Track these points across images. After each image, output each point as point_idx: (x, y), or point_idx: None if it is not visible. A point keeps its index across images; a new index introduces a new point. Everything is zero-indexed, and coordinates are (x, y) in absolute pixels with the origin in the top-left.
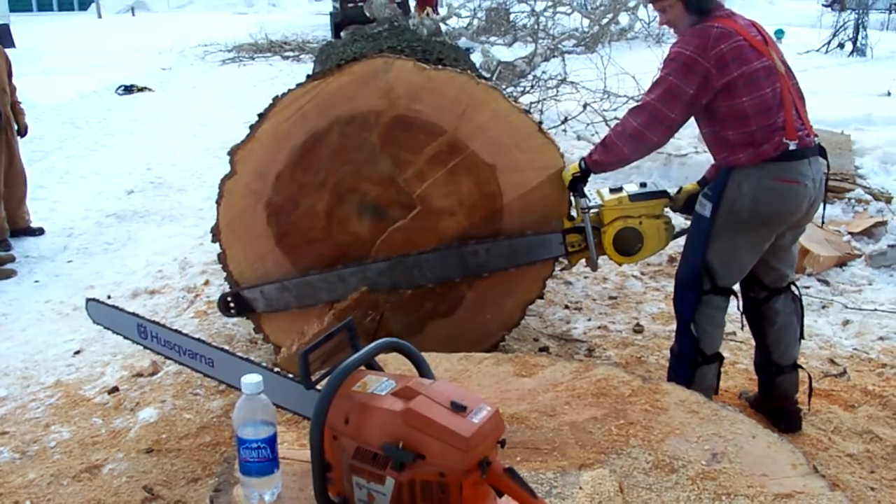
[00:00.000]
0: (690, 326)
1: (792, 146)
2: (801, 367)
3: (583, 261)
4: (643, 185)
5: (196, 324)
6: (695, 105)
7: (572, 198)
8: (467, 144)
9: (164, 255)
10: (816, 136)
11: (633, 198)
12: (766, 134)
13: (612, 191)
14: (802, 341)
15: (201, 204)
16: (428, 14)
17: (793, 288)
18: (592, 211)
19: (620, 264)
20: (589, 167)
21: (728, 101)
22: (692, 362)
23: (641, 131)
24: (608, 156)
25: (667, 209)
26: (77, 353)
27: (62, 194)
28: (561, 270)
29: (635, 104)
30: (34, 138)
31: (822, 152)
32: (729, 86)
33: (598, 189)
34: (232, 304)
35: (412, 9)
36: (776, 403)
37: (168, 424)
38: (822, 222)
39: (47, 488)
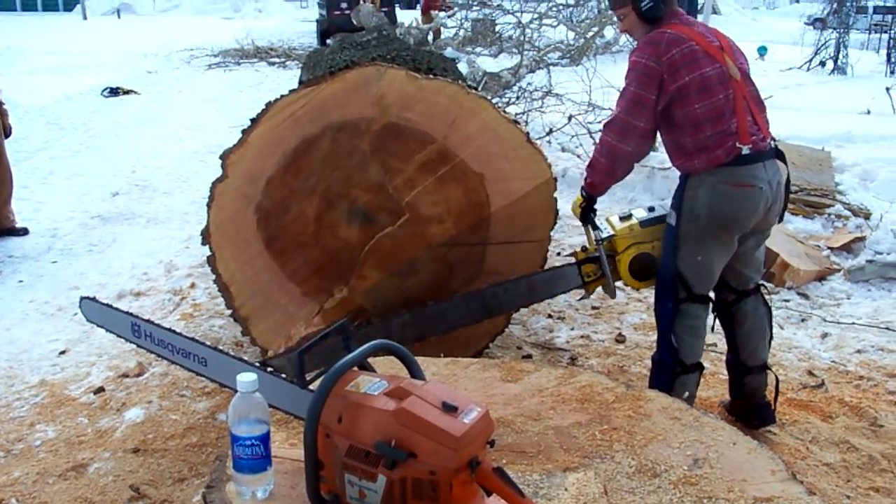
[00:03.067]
0: (670, 336)
1: (745, 150)
2: (769, 368)
3: (599, 289)
4: (651, 209)
5: (182, 326)
6: (658, 110)
7: (586, 230)
8: (456, 153)
9: (149, 258)
10: (774, 140)
11: (644, 224)
12: (720, 139)
13: (621, 218)
14: (784, 353)
15: (187, 207)
16: (437, 14)
17: (760, 291)
18: (605, 240)
19: (638, 289)
20: (589, 193)
21: (682, 107)
22: (672, 371)
23: (616, 144)
24: (597, 176)
25: None
26: (62, 353)
27: (46, 195)
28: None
29: (607, 119)
30: (18, 139)
31: (779, 156)
32: (681, 91)
33: (608, 217)
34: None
35: (398, 18)
36: (745, 401)
37: (154, 425)
38: (780, 219)
39: (32, 486)
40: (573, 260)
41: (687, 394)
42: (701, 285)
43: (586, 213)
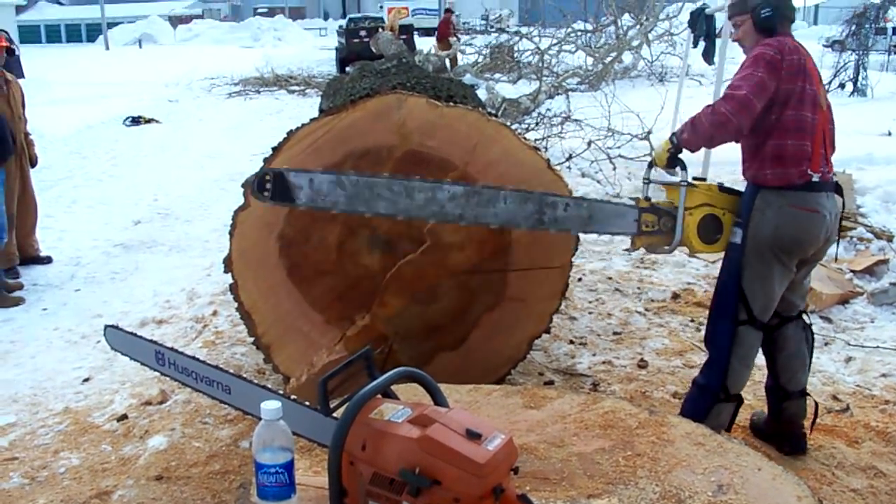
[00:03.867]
0: (724, 360)
1: (815, 178)
2: (809, 394)
3: (643, 249)
4: (720, 185)
5: (204, 354)
6: (772, 103)
7: (655, 173)
8: (477, 180)
9: (171, 286)
10: (835, 174)
11: (721, 189)
12: (797, 154)
13: (696, 178)
14: (808, 378)
15: (208, 235)
16: (453, 43)
17: (804, 317)
18: (689, 185)
19: (695, 253)
20: (680, 143)
21: (778, 111)
22: (715, 396)
23: (730, 118)
24: (695, 136)
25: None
26: (86, 380)
27: (70, 223)
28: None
29: (724, 94)
30: (42, 168)
31: (838, 190)
32: (786, 95)
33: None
34: (269, 187)
35: (417, 45)
36: (783, 426)
37: (177, 452)
38: (836, 258)
39: None
40: (634, 204)
41: (719, 423)
42: (762, 308)
43: (673, 159)
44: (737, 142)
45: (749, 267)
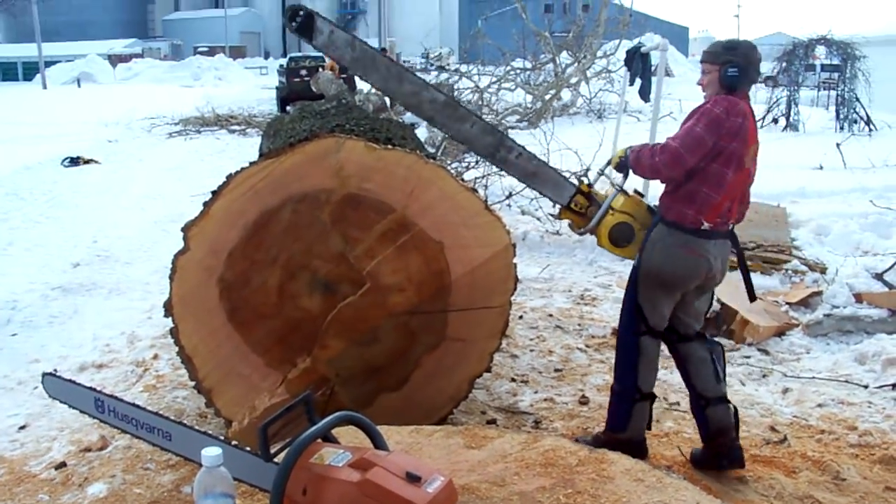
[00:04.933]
0: (631, 366)
1: (706, 226)
2: (729, 401)
3: (567, 222)
4: (650, 206)
5: (145, 398)
6: (705, 156)
7: (609, 172)
8: (416, 222)
9: (111, 329)
10: (738, 221)
11: (649, 209)
12: (703, 202)
13: (635, 191)
14: (746, 410)
15: (149, 277)
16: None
17: (706, 335)
18: (620, 191)
19: (601, 246)
20: (628, 160)
21: (705, 162)
22: (632, 399)
23: (661, 168)
24: (638, 168)
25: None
26: (22, 427)
27: (6, 266)
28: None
29: (665, 142)
30: None
31: (733, 238)
32: (721, 151)
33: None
34: (299, 19)
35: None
36: (715, 441)
37: (118, 499)
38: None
39: None
40: (576, 183)
41: (642, 420)
42: (656, 322)
43: (621, 167)
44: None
45: (642, 288)
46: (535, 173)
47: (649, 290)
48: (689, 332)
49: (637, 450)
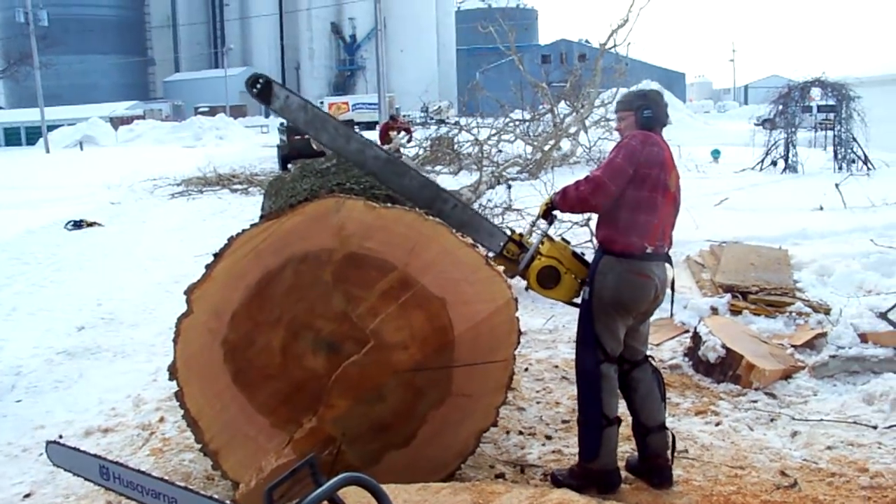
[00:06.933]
0: (595, 395)
1: (649, 249)
2: (667, 428)
3: (501, 268)
4: (574, 251)
5: (152, 461)
6: (628, 183)
7: (539, 222)
8: (417, 280)
9: (116, 393)
10: (671, 246)
11: (574, 254)
12: (642, 229)
13: (563, 239)
14: (755, 455)
15: (153, 339)
16: (395, 135)
17: (649, 361)
18: (546, 237)
19: (527, 289)
20: (554, 203)
21: (635, 189)
22: (599, 426)
23: (587, 197)
24: (564, 204)
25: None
26: (27, 496)
27: (10, 331)
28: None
29: (588, 175)
30: None
31: (668, 260)
32: (643, 178)
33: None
34: (259, 86)
35: None
36: (650, 461)
37: None
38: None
39: None
40: (509, 234)
41: (612, 445)
42: (613, 349)
43: (547, 214)
44: (596, 212)
45: (598, 318)
46: (469, 223)
47: (606, 317)
48: (636, 357)
49: (611, 478)
